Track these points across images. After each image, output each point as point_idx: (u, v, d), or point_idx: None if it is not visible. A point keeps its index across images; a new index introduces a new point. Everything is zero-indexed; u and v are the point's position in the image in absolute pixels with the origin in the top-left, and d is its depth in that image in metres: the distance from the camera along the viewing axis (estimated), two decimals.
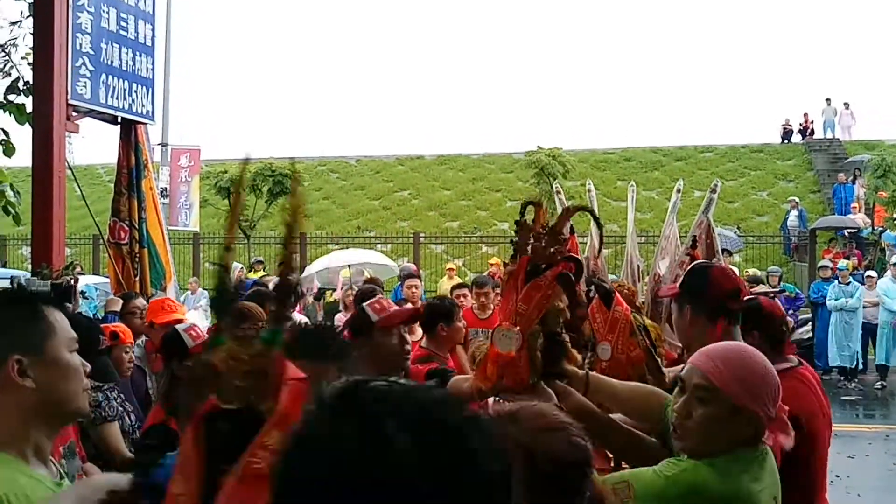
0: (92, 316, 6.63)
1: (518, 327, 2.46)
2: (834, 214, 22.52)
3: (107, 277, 9.03)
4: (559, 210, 5.11)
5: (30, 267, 13.59)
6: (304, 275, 15.12)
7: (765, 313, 3.05)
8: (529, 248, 2.55)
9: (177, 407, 3.40)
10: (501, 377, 2.49)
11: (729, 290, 2.75)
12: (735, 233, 21.16)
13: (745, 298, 2.87)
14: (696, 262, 3.25)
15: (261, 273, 13.95)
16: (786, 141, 30.64)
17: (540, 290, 2.46)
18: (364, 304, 3.48)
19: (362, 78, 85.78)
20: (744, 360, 2.07)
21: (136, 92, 6.56)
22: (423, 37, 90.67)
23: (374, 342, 3.27)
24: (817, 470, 2.97)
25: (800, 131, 30.73)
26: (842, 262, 15.15)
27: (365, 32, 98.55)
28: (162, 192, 14.22)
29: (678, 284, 2.97)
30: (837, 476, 7.54)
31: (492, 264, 15.81)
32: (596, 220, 3.17)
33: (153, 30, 6.88)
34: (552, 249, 2.52)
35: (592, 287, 3.30)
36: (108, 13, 6.17)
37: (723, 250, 6.24)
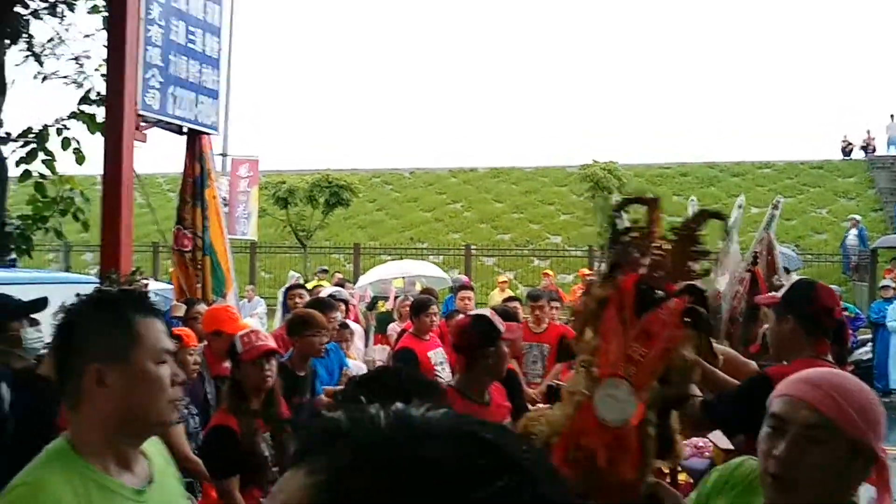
0: None
1: (635, 383, 1.72)
2: None
3: (167, 283, 9.25)
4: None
5: (94, 272, 13.89)
6: (357, 285, 15.26)
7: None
8: (640, 260, 1.83)
9: (238, 409, 3.49)
10: (599, 466, 1.69)
11: (830, 307, 2.85)
12: (793, 251, 20.74)
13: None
14: (800, 278, 3.29)
15: (323, 282, 14.09)
16: (847, 157, 29.95)
17: (663, 329, 1.73)
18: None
19: (417, 91, 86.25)
20: (856, 387, 1.69)
21: (202, 103, 6.72)
22: (479, 50, 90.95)
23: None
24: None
25: (862, 148, 30.00)
26: None
27: (422, 45, 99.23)
28: (222, 201, 14.51)
29: (781, 295, 3.02)
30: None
31: (546, 275, 15.75)
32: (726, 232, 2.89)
33: (219, 43, 7.05)
34: (681, 267, 1.82)
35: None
36: (177, 27, 6.35)
37: (784, 269, 6.14)
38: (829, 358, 3.03)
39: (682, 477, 4.02)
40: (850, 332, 14.15)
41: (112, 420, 1.62)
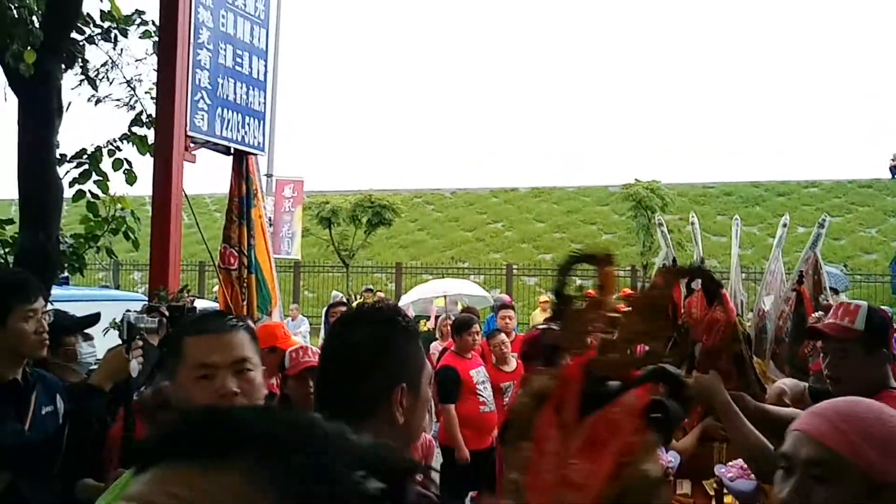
0: None
1: None
2: None
3: (213, 301, 9.39)
4: (662, 246, 5.05)
5: (143, 290, 14.13)
6: (399, 304, 15.32)
7: None
8: (585, 342, 1.38)
9: None
10: None
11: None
12: (842, 271, 20.36)
13: None
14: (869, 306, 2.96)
15: (368, 301, 14.20)
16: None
17: (615, 435, 1.21)
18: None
19: (459, 111, 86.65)
20: (872, 414, 1.45)
21: (248, 124, 6.85)
22: (522, 70, 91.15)
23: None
24: None
25: None
26: None
27: (461, 66, 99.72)
28: (267, 221, 14.72)
29: (862, 326, 2.68)
30: None
31: (588, 294, 15.66)
32: (716, 283, 2.56)
33: (266, 65, 7.19)
34: (640, 350, 1.40)
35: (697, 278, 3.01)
36: (225, 50, 6.50)
37: (830, 289, 6.06)
38: None
39: (727, 500, 3.97)
40: None
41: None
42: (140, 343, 3.10)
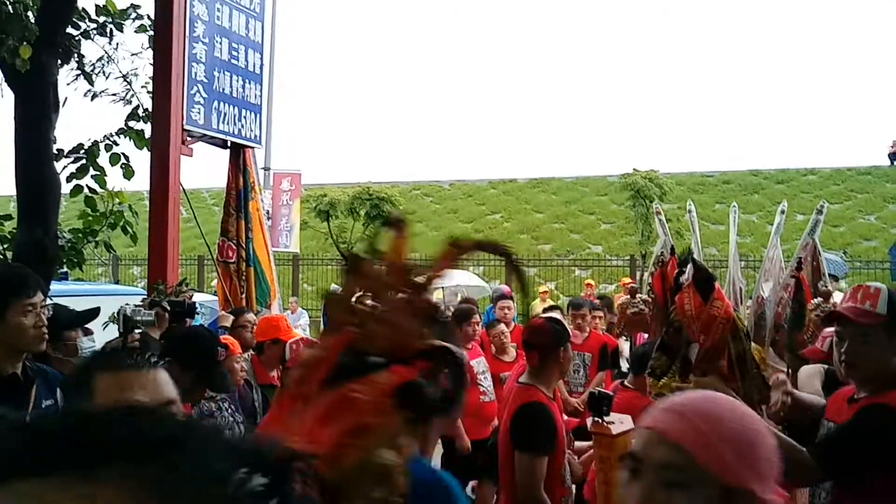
0: None
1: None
2: None
3: (212, 295, 9.40)
4: (660, 235, 5.05)
5: (142, 285, 14.14)
6: None
7: None
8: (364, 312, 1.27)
9: None
10: None
11: None
12: (841, 257, 20.37)
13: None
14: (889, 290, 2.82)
15: None
16: (895, 163, 29.37)
17: (346, 414, 1.13)
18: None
19: (456, 102, 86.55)
20: (735, 415, 1.33)
21: (245, 118, 6.85)
22: (517, 61, 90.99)
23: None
24: None
25: None
26: None
27: (458, 58, 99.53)
28: (265, 214, 14.74)
29: (885, 310, 2.57)
30: None
31: (589, 286, 15.71)
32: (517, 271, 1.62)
33: (262, 58, 7.18)
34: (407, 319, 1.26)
35: (688, 269, 2.70)
36: (220, 43, 6.49)
37: (829, 275, 6.06)
38: None
39: None
40: None
41: None
42: (137, 336, 3.12)
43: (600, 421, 3.14)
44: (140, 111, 6.55)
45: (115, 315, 3.99)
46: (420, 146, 73.90)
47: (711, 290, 2.58)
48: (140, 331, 3.85)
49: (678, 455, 1.27)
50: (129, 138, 6.43)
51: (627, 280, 16.82)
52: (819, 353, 3.75)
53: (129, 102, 6.61)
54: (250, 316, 5.23)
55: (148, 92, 6.33)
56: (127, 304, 3.97)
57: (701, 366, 2.51)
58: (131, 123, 6.49)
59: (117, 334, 3.77)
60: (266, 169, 18.38)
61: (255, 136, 7.09)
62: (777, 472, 1.32)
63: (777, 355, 4.36)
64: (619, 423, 3.14)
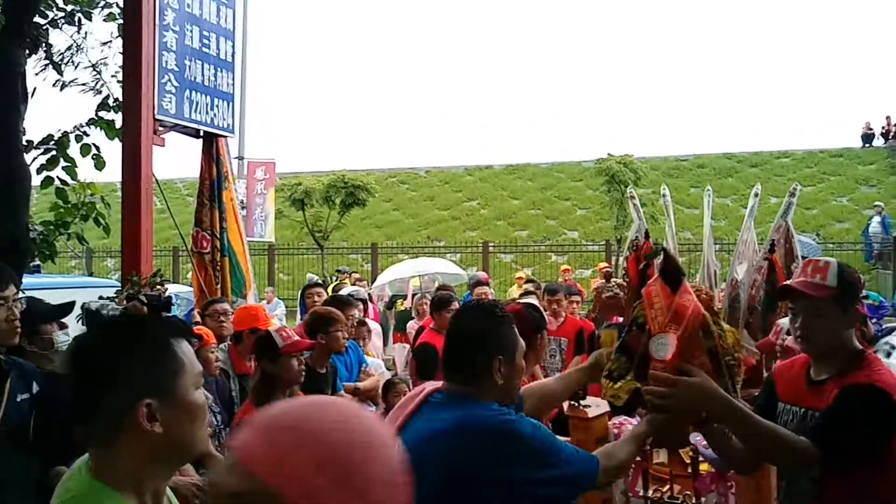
0: None
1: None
2: None
3: (188, 286, 9.34)
4: (634, 219, 5.10)
5: (116, 277, 14.03)
6: (375, 284, 15.32)
7: None
8: None
9: (269, 403, 3.56)
10: None
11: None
12: (814, 240, 20.60)
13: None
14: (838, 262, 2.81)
15: (345, 281, 14.18)
16: (867, 145, 29.68)
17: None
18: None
19: (431, 90, 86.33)
20: (330, 425, 1.05)
21: (217, 106, 6.79)
22: (491, 47, 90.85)
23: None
24: None
25: (882, 134, 29.73)
26: None
27: (434, 44, 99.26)
28: (239, 204, 14.66)
29: (835, 282, 2.58)
30: None
31: (566, 271, 15.76)
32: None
33: (233, 46, 7.12)
34: None
35: (652, 258, 2.74)
36: (191, 31, 6.42)
37: (802, 257, 6.12)
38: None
39: (703, 467, 4.02)
40: (875, 320, 14.04)
41: (157, 454, 1.52)
42: None
43: (577, 405, 3.17)
44: (110, 101, 6.48)
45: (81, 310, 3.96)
46: (395, 133, 73.65)
47: (679, 284, 2.51)
48: None
49: (248, 481, 1.01)
50: (100, 129, 6.36)
51: (603, 265, 16.93)
52: (771, 345, 3.77)
53: (99, 92, 6.54)
54: (224, 305, 5.20)
55: (118, 81, 6.27)
56: (92, 301, 3.95)
57: (679, 363, 2.38)
58: (102, 114, 6.42)
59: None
60: (240, 158, 18.27)
61: (228, 125, 7.03)
62: (406, 496, 1.07)
63: (751, 336, 4.40)
64: (596, 406, 3.17)
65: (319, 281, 14.95)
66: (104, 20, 6.55)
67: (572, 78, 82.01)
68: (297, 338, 3.86)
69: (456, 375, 2.33)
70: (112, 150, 6.24)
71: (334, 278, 15.57)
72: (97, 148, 6.29)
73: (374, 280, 17.15)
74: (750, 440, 2.46)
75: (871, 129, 29.91)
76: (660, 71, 79.44)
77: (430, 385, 2.42)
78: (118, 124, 6.13)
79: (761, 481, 3.09)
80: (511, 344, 2.37)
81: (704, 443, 3.65)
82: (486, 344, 2.32)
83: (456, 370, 2.34)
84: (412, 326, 9.19)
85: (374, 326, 8.10)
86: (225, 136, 7.08)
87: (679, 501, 3.30)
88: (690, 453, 3.26)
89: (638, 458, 3.03)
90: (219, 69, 6.86)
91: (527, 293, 8.99)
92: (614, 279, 5.88)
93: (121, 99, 6.06)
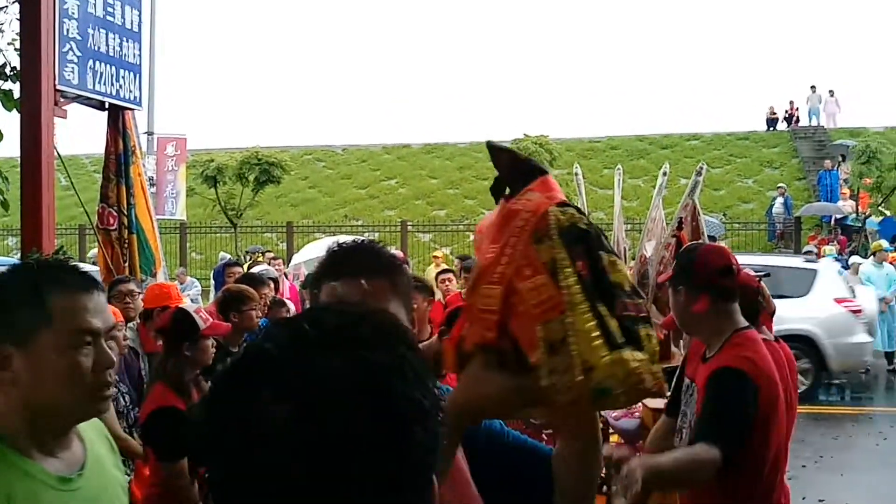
0: None
1: None
2: (819, 201, 22.75)
3: (93, 265, 9.01)
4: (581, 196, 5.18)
5: (17, 256, 13.45)
6: (291, 263, 15.12)
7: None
8: None
9: (187, 387, 3.48)
10: None
11: (720, 266, 2.62)
12: (720, 220, 21.31)
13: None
14: (689, 244, 2.94)
15: (260, 260, 13.93)
16: (771, 129, 30.81)
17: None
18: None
19: (348, 66, 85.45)
20: None
21: (123, 78, 6.54)
22: (409, 25, 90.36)
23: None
24: (777, 455, 2.68)
25: (785, 119, 30.91)
26: (827, 248, 15.33)
27: (351, 20, 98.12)
28: (148, 181, 14.20)
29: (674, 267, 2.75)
30: (821, 456, 7.67)
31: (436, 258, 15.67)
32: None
33: (140, 15, 6.86)
34: None
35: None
36: None
37: (708, 236, 6.32)
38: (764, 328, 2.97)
39: (613, 438, 4.12)
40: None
41: (23, 409, 1.45)
42: None
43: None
44: (7, 70, 6.17)
45: None
46: (311, 110, 72.65)
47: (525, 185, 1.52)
48: None
49: None
50: None
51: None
52: (673, 322, 3.90)
53: None
54: (132, 285, 5.04)
55: (15, 49, 5.96)
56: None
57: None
58: None
59: None
60: (149, 133, 17.67)
61: (135, 97, 6.78)
62: None
63: (659, 312, 4.52)
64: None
65: (234, 260, 14.67)
66: None
67: (490, 59, 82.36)
68: (212, 320, 3.76)
69: None
70: (10, 122, 5.95)
71: (248, 257, 15.30)
72: None
73: (289, 259, 16.91)
74: (669, 486, 2.54)
75: (775, 114, 31.04)
76: (575, 54, 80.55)
77: None
78: (16, 95, 5.83)
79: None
80: None
81: (614, 414, 3.74)
82: None
83: None
84: None
85: (292, 306, 7.98)
86: (132, 109, 6.83)
87: None
88: (600, 424, 3.32)
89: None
90: (124, 39, 6.60)
91: (445, 270, 9.04)
92: None
93: (18, 68, 5.77)
